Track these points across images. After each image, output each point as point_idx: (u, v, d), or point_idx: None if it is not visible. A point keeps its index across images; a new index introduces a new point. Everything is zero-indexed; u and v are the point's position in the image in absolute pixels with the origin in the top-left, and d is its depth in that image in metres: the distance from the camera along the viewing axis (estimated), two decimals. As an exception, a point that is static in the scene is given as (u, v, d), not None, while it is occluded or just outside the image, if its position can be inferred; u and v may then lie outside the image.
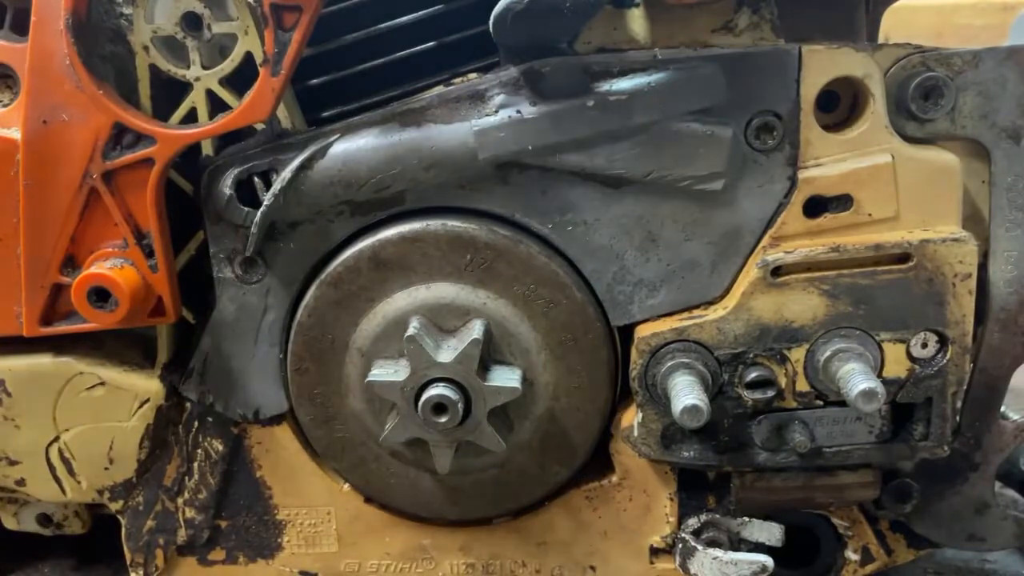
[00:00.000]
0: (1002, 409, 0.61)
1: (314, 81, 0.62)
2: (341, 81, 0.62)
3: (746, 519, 0.61)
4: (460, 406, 0.53)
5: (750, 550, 0.60)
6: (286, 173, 0.55)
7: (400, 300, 0.57)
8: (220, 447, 0.63)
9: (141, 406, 0.62)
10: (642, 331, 0.57)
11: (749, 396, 0.56)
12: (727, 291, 0.56)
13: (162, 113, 0.57)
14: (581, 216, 0.56)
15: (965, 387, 0.57)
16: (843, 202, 0.55)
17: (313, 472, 0.64)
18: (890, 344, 0.55)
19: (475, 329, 0.55)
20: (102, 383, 0.61)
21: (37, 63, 0.53)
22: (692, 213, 0.56)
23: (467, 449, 0.59)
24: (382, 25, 0.60)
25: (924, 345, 0.55)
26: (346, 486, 0.65)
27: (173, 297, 0.57)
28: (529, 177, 0.56)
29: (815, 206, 0.55)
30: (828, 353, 0.54)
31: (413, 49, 0.61)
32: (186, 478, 0.64)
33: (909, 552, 0.64)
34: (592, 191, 0.56)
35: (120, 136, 0.54)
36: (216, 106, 0.56)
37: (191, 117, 0.57)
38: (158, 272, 0.56)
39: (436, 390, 0.53)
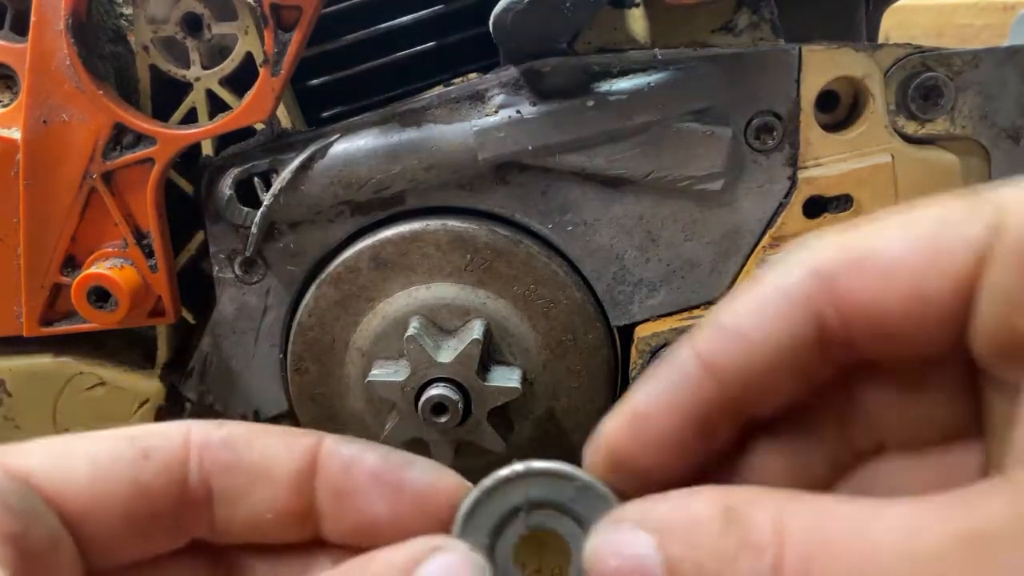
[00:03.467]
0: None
1: (314, 81, 0.62)
2: (341, 81, 0.62)
3: (746, 519, 0.61)
4: (460, 406, 0.53)
5: (750, 550, 0.60)
6: (286, 173, 0.55)
7: (400, 300, 0.57)
8: (220, 447, 0.63)
9: (141, 406, 0.62)
10: (642, 331, 0.57)
11: (749, 396, 0.56)
12: (727, 291, 0.56)
13: (162, 113, 0.57)
14: (581, 216, 0.56)
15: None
16: (843, 202, 0.55)
17: (313, 472, 0.64)
18: (890, 344, 0.55)
19: (475, 329, 0.55)
20: (102, 383, 0.61)
21: (37, 63, 0.53)
22: (692, 213, 0.56)
23: (467, 449, 0.59)
24: (382, 25, 0.60)
25: (924, 345, 0.55)
26: (346, 486, 0.65)
27: (173, 297, 0.57)
28: (529, 177, 0.56)
29: (815, 206, 0.55)
30: (828, 353, 0.54)
31: (413, 49, 0.61)
32: (186, 478, 0.64)
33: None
34: (592, 191, 0.56)
35: (120, 136, 0.54)
36: (216, 106, 0.56)
37: (191, 117, 0.57)
38: (158, 272, 0.56)
39: (436, 390, 0.53)
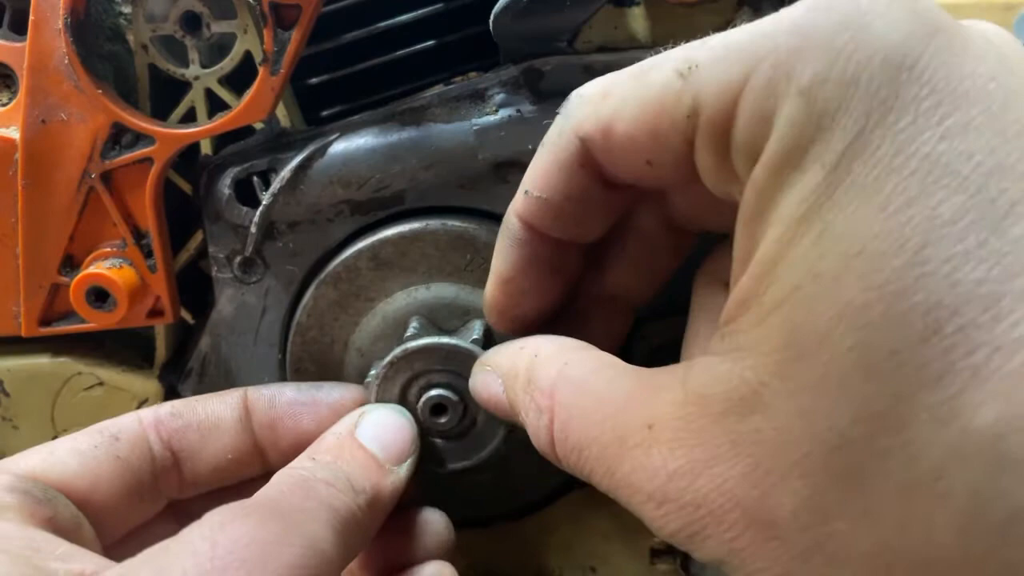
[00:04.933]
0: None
1: (313, 80, 0.62)
2: (341, 80, 0.62)
3: (747, 520, 0.61)
4: (459, 407, 0.53)
5: (751, 551, 0.60)
6: (285, 172, 0.55)
7: (399, 300, 0.57)
8: (219, 448, 0.63)
9: (140, 406, 0.61)
10: (642, 331, 0.57)
11: (750, 396, 0.55)
12: (728, 291, 0.56)
13: (161, 113, 0.57)
14: (581, 216, 0.56)
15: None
16: (844, 202, 0.54)
17: (312, 473, 0.64)
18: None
19: (475, 329, 0.55)
20: (101, 383, 0.61)
21: (36, 62, 0.52)
22: (693, 213, 0.55)
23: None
24: (382, 24, 0.60)
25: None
26: (346, 487, 0.65)
27: (171, 297, 0.57)
28: (529, 176, 0.55)
29: (816, 206, 0.55)
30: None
31: (413, 48, 0.61)
32: (185, 479, 0.64)
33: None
34: (592, 191, 0.55)
35: (119, 136, 0.54)
36: (215, 105, 0.56)
37: (190, 116, 0.57)
38: (157, 272, 0.56)
39: (436, 391, 0.53)
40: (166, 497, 0.47)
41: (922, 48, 0.26)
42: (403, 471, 0.45)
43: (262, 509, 0.35)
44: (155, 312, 0.57)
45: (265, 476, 0.49)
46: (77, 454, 0.43)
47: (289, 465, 0.42)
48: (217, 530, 0.33)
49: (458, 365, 0.51)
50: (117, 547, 0.42)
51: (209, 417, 0.48)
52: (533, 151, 0.55)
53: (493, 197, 0.56)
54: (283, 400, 0.49)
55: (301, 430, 0.49)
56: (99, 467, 0.43)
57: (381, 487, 0.43)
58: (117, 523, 0.43)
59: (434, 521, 0.50)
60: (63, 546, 0.35)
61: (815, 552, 0.26)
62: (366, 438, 0.45)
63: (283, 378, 0.61)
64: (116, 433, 0.45)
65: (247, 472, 0.49)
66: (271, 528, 0.34)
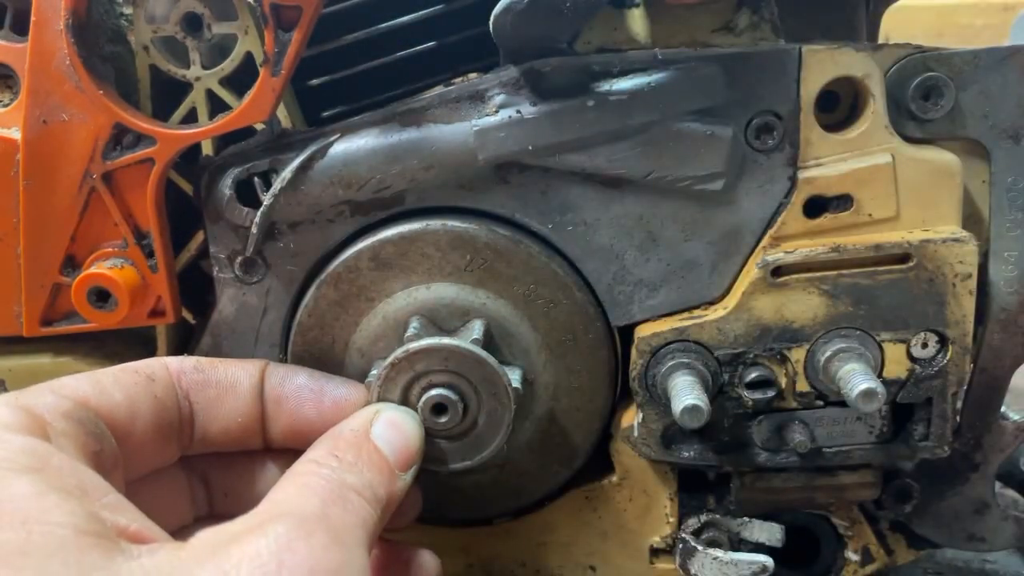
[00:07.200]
0: (1002, 409, 0.61)
1: (314, 81, 0.62)
2: (341, 81, 0.62)
3: (746, 519, 0.61)
4: (460, 406, 0.53)
5: (750, 550, 0.60)
6: (286, 173, 0.55)
7: (400, 300, 0.57)
8: (220, 447, 0.63)
9: (141, 406, 0.61)
10: (642, 331, 0.57)
11: (749, 396, 0.56)
12: (727, 291, 0.56)
13: (162, 113, 0.57)
14: (581, 216, 0.56)
15: (965, 387, 0.57)
16: (843, 202, 0.55)
17: (313, 472, 0.64)
18: (890, 344, 0.55)
19: (475, 329, 0.55)
20: (102, 383, 0.61)
21: (37, 63, 0.53)
22: (692, 213, 0.56)
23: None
24: (382, 25, 0.60)
25: (924, 345, 0.55)
26: (346, 486, 0.65)
27: (173, 297, 0.57)
28: (529, 177, 0.56)
29: (815, 206, 0.55)
30: (828, 353, 0.54)
31: (413, 49, 0.61)
32: (186, 478, 0.64)
33: (909, 552, 0.64)
34: (592, 191, 0.56)
35: (120, 136, 0.54)
36: (216, 106, 0.56)
37: (191, 117, 0.57)
38: (158, 272, 0.56)
39: (436, 390, 0.53)
40: (181, 449, 0.48)
41: None
42: (408, 478, 0.46)
43: (319, 528, 0.36)
44: (156, 312, 0.57)
45: (265, 452, 0.51)
46: (121, 387, 0.43)
47: (313, 459, 0.42)
48: (284, 548, 0.33)
49: (459, 366, 0.51)
50: (131, 487, 0.43)
51: (228, 378, 0.49)
52: (533, 152, 0.56)
53: (493, 197, 0.56)
54: (294, 382, 0.51)
55: (301, 415, 0.50)
56: (139, 404, 0.44)
57: (391, 494, 0.43)
58: (141, 463, 0.44)
59: (428, 564, 0.52)
60: (110, 493, 0.35)
61: None
62: (381, 440, 0.46)
63: (284, 378, 0.61)
64: (151, 374, 0.46)
65: (250, 442, 0.50)
66: (332, 556, 0.35)
